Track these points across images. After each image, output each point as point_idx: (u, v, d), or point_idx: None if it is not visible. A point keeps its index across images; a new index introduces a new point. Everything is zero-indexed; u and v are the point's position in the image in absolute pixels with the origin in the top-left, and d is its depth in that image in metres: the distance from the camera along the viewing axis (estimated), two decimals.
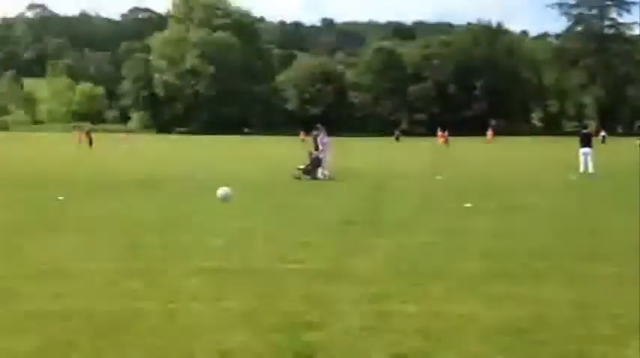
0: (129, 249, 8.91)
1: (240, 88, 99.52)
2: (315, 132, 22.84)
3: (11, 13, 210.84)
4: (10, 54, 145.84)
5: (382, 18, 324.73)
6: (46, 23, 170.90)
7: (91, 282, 7.01)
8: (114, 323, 5.57)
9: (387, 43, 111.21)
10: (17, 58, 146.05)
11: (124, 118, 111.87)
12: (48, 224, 11.10)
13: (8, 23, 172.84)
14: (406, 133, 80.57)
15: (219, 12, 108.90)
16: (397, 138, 68.89)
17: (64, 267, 7.75)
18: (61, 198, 14.64)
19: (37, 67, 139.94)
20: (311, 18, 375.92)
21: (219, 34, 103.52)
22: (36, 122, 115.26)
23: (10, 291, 6.58)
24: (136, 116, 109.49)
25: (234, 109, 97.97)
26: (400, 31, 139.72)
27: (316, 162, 21.04)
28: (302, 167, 21.05)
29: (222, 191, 12.62)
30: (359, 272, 7.55)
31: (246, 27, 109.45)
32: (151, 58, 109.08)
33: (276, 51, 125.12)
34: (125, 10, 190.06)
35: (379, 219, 12.20)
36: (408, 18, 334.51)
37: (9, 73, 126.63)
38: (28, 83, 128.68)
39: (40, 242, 9.41)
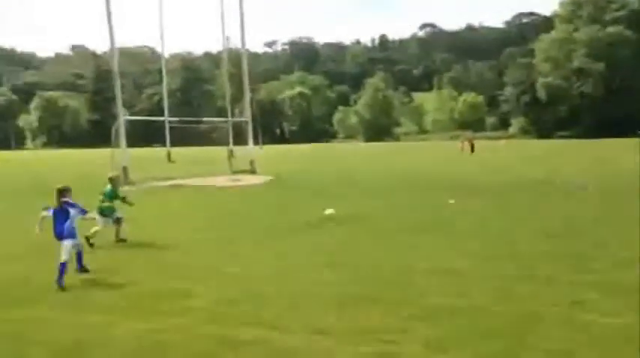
0: (515, 253, 8.96)
1: (635, 86, 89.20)
2: None
3: (406, 34, 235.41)
4: (403, 72, 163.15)
5: None
6: (435, 40, 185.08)
7: (485, 283, 7.31)
8: (512, 323, 5.72)
9: None
10: (409, 75, 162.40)
11: (504, 124, 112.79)
12: (442, 225, 11.98)
13: (403, 44, 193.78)
14: None
15: (612, 5, 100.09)
16: None
17: (456, 266, 8.28)
18: (452, 201, 15.60)
19: (425, 82, 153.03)
20: None
21: (611, 29, 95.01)
22: (421, 132, 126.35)
23: (411, 284, 7.36)
24: (515, 122, 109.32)
25: (626, 109, 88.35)
26: None
27: None
28: None
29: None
30: None
31: None
32: (534, 61, 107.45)
33: None
34: (509, 17, 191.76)
35: None
36: None
37: (401, 89, 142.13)
38: (417, 97, 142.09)
39: (432, 241, 10.23)
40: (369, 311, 6.27)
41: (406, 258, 8.87)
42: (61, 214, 7.92)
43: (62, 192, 8.07)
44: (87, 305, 6.78)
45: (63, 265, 7.69)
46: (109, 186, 10.89)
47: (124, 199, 11.00)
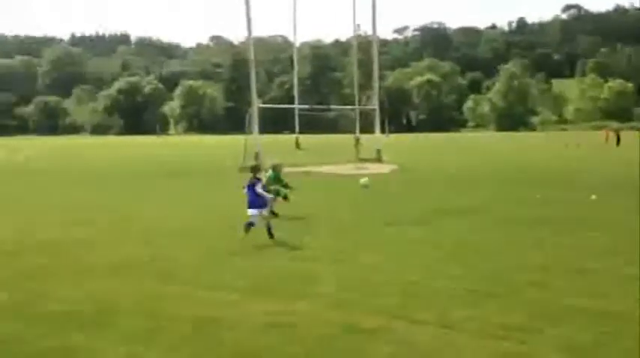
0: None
1: None
2: None
3: (547, 16, 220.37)
4: (542, 57, 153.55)
5: None
6: (579, 22, 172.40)
7: (625, 286, 6.80)
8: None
9: None
10: (548, 60, 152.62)
11: None
12: (581, 222, 11.18)
13: (543, 27, 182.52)
14: None
15: None
16: None
17: (593, 265, 7.75)
18: (594, 197, 14.59)
19: (566, 68, 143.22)
20: None
21: None
22: (560, 121, 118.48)
23: (544, 283, 6.95)
24: None
25: None
26: None
27: None
28: None
29: None
30: None
31: None
32: None
33: None
34: None
35: None
36: None
37: (540, 76, 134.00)
38: (557, 84, 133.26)
39: (570, 239, 9.58)
40: (499, 308, 6.01)
41: (539, 255, 8.42)
42: (252, 188, 9.46)
43: (255, 169, 9.82)
44: (222, 284, 7.14)
45: (250, 224, 9.37)
46: (271, 172, 12.02)
47: (286, 185, 11.98)
